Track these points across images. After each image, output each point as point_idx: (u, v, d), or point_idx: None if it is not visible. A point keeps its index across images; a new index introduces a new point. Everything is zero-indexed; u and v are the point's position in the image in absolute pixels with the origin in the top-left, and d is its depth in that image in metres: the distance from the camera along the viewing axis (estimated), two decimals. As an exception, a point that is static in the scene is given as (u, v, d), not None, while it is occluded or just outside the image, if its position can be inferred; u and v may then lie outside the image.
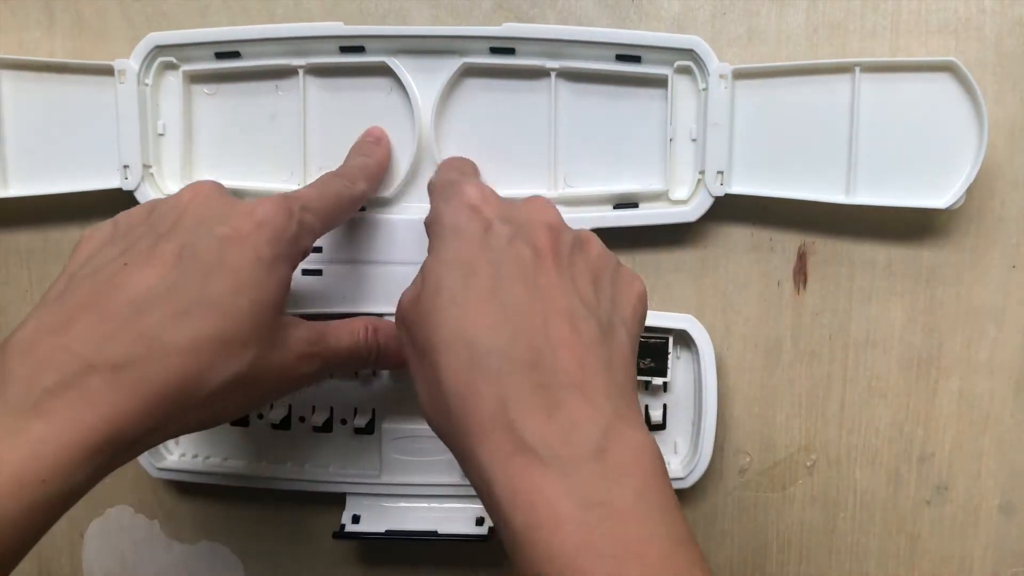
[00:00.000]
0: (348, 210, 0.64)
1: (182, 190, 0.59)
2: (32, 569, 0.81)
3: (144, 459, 0.74)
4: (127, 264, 0.53)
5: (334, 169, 0.67)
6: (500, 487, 0.46)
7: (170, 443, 0.75)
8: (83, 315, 0.51)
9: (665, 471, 0.48)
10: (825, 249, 0.72)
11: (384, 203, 0.71)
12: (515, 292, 0.50)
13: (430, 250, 0.55)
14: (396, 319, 0.56)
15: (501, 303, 0.50)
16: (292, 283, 0.59)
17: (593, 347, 0.50)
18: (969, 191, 0.67)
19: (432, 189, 0.62)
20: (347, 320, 0.64)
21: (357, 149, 0.69)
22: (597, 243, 0.56)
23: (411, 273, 0.64)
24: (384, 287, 0.70)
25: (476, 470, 0.48)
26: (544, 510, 0.44)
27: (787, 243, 0.72)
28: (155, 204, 0.59)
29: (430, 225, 0.57)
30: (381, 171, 0.69)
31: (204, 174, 0.72)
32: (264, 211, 0.56)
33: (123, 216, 0.59)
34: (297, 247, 0.58)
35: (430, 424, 0.53)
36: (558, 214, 0.56)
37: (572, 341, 0.49)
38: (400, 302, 0.55)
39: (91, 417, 0.48)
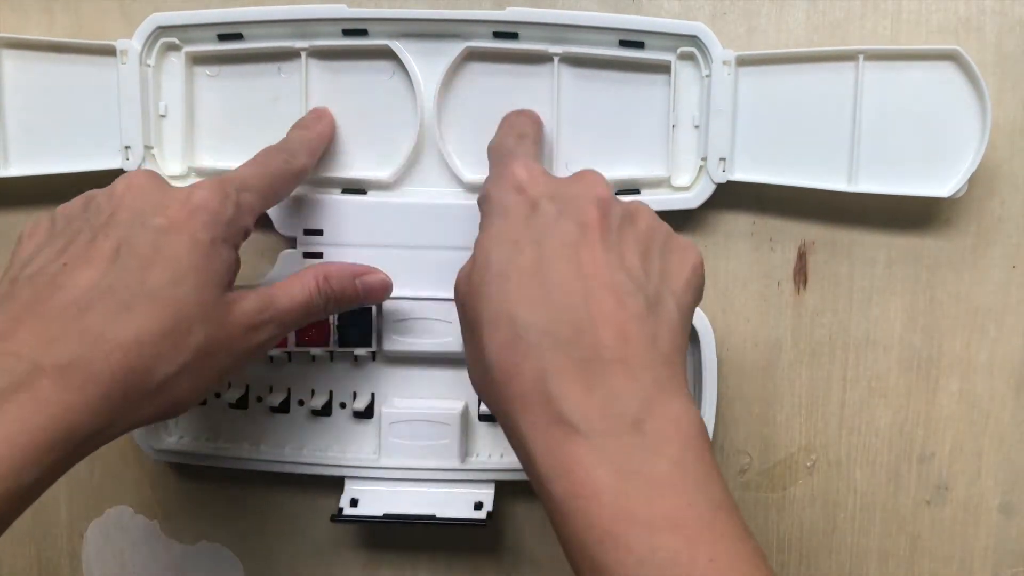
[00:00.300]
0: (289, 185, 0.65)
1: (116, 181, 0.59)
2: (32, 569, 0.80)
3: (143, 442, 0.74)
4: (66, 264, 0.54)
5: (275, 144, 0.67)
6: (540, 458, 0.47)
7: (170, 425, 0.75)
8: (26, 319, 0.51)
9: (707, 440, 0.48)
10: (825, 249, 0.72)
11: (385, 186, 0.71)
12: (558, 268, 0.51)
13: (481, 227, 0.56)
14: (454, 293, 0.57)
15: (544, 279, 0.51)
16: (295, 266, 0.61)
17: (637, 321, 0.50)
18: (969, 189, 0.67)
19: (490, 153, 0.64)
20: (296, 275, 0.64)
21: (298, 124, 0.69)
22: (648, 215, 0.56)
23: (411, 257, 0.64)
24: (385, 270, 0.69)
25: (519, 441, 0.49)
26: (582, 479, 0.45)
27: (787, 242, 0.72)
28: (91, 196, 0.59)
29: (481, 203, 0.58)
30: (322, 144, 0.69)
31: (205, 156, 0.72)
32: (199, 197, 0.57)
33: (60, 209, 0.59)
34: (236, 227, 0.59)
35: (478, 394, 0.54)
36: (607, 187, 0.56)
37: (615, 316, 0.49)
38: (457, 278, 0.56)
39: (40, 418, 0.49)
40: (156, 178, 0.59)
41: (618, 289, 0.50)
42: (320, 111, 0.70)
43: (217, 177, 0.59)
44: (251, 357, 0.60)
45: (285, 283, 0.62)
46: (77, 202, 0.59)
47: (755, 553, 0.46)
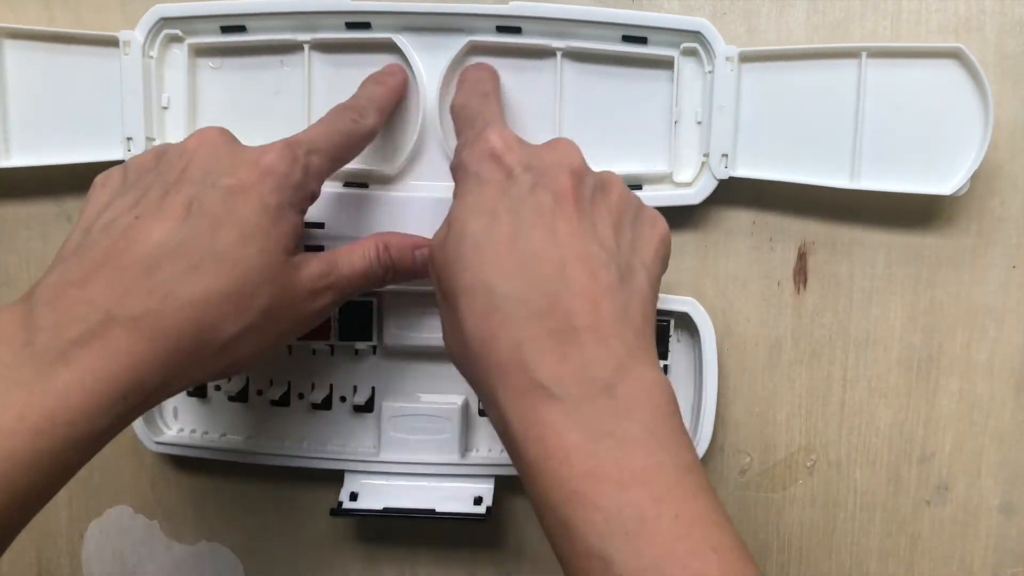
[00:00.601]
0: (357, 147, 0.64)
1: (189, 137, 0.59)
2: (32, 569, 0.80)
3: (143, 433, 0.74)
4: (138, 218, 0.54)
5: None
6: (515, 423, 0.48)
7: (168, 418, 0.75)
8: (101, 270, 0.52)
9: (676, 407, 0.50)
10: (825, 249, 0.72)
11: (388, 180, 0.71)
12: (534, 239, 0.52)
13: (455, 195, 0.57)
14: (429, 261, 0.57)
15: (520, 250, 0.51)
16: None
17: (610, 291, 0.51)
18: (970, 189, 0.67)
19: (455, 114, 0.64)
20: (358, 243, 0.64)
21: (370, 78, 0.69)
22: (619, 185, 0.57)
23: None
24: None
25: (495, 409, 0.50)
26: (554, 441, 0.47)
27: (787, 242, 0.72)
28: (164, 150, 0.59)
29: (455, 171, 0.58)
30: (393, 102, 0.68)
31: (207, 148, 0.72)
32: (268, 159, 0.57)
33: (133, 161, 0.60)
34: (304, 192, 0.59)
35: (455, 364, 0.55)
36: (580, 156, 0.57)
37: (588, 286, 0.51)
38: (431, 245, 0.57)
39: (114, 366, 0.50)
40: (227, 136, 0.59)
41: (591, 260, 0.51)
42: (395, 66, 0.70)
43: (285, 139, 0.59)
44: (311, 321, 0.61)
45: (346, 249, 0.63)
46: (149, 155, 0.60)
47: (718, 511, 0.47)
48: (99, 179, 0.59)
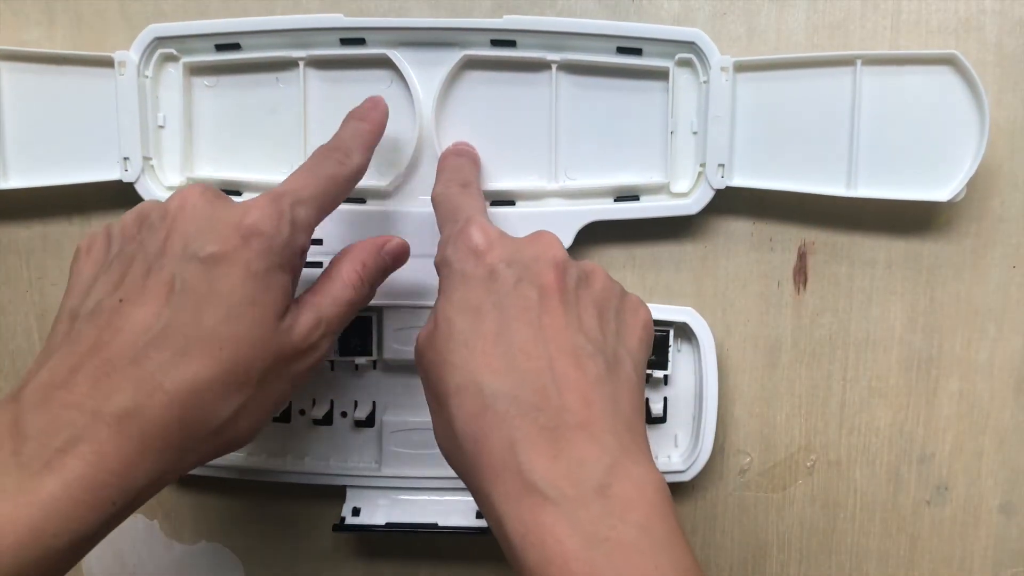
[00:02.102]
0: (345, 189, 0.63)
1: (171, 197, 0.58)
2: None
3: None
4: (122, 301, 0.54)
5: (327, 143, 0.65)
6: (512, 526, 0.48)
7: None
8: (87, 364, 0.51)
9: (670, 504, 0.49)
10: (825, 249, 0.72)
11: (384, 195, 0.71)
12: (521, 335, 0.52)
13: (440, 292, 0.57)
14: (415, 357, 0.57)
15: (508, 346, 0.52)
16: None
17: (599, 385, 0.51)
18: (969, 189, 0.67)
19: (436, 204, 0.64)
20: (333, 273, 0.62)
21: (352, 115, 0.66)
22: (601, 274, 0.58)
23: (411, 266, 0.64)
24: (385, 280, 0.69)
25: (490, 509, 0.50)
26: (553, 548, 0.46)
27: (787, 243, 0.72)
28: (146, 213, 0.58)
29: (439, 267, 0.59)
30: (377, 136, 0.66)
31: (204, 166, 0.72)
32: (251, 220, 0.56)
33: (116, 226, 0.59)
34: (293, 249, 0.58)
35: (447, 461, 0.55)
36: (562, 248, 0.57)
37: (577, 381, 0.51)
38: (417, 341, 0.57)
39: (100, 473, 0.49)
40: (210, 194, 0.58)
41: (579, 352, 0.52)
42: (376, 99, 0.67)
43: (269, 192, 0.58)
44: (310, 375, 0.61)
45: (326, 285, 0.61)
46: (131, 218, 0.58)
47: None
48: (83, 245, 0.59)
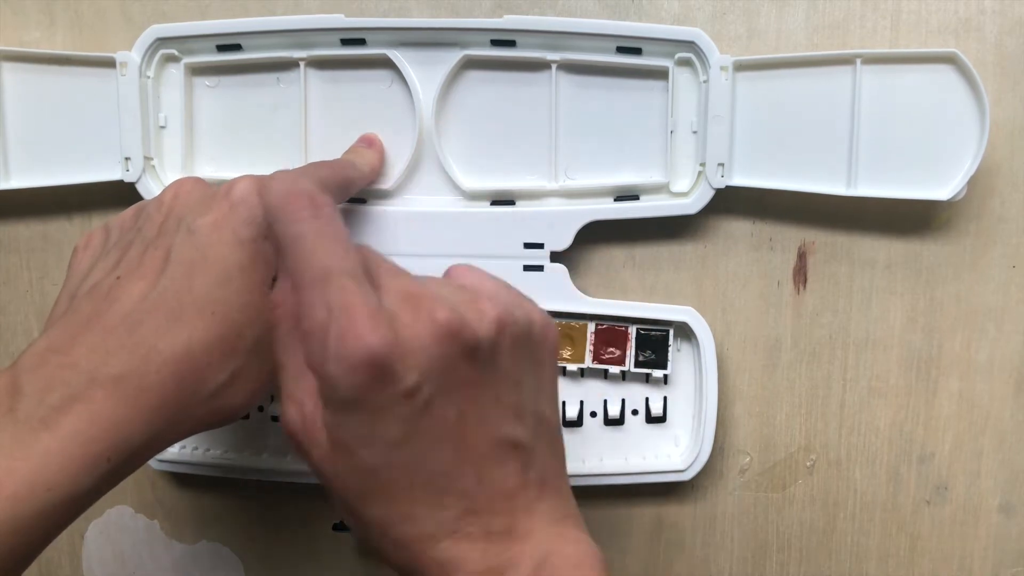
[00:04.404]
0: (345, 186, 0.64)
1: (165, 189, 0.59)
2: (32, 570, 0.80)
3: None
4: (120, 278, 0.54)
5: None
6: None
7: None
8: (85, 333, 0.52)
9: (607, 572, 0.50)
10: (825, 249, 0.72)
11: (384, 195, 0.71)
12: (444, 461, 0.47)
13: (327, 406, 0.46)
14: (294, 446, 0.49)
15: (431, 475, 0.47)
16: None
17: (524, 473, 0.50)
18: (969, 189, 0.67)
19: (285, 256, 0.48)
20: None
21: (349, 150, 0.69)
22: (509, 327, 0.50)
23: (412, 265, 0.63)
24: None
25: None
26: None
27: (787, 243, 0.72)
28: (141, 207, 0.59)
29: (319, 376, 0.46)
30: (379, 166, 0.69)
31: (205, 166, 0.72)
32: (238, 190, 0.56)
33: (113, 221, 0.60)
34: None
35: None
36: (467, 327, 0.47)
37: (503, 482, 0.49)
38: (296, 436, 0.49)
39: (95, 429, 0.50)
40: (201, 182, 0.59)
41: (502, 448, 0.49)
42: (370, 138, 0.70)
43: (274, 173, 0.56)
44: None
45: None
46: (128, 213, 0.60)
47: None
48: (80, 241, 0.60)
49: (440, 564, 0.48)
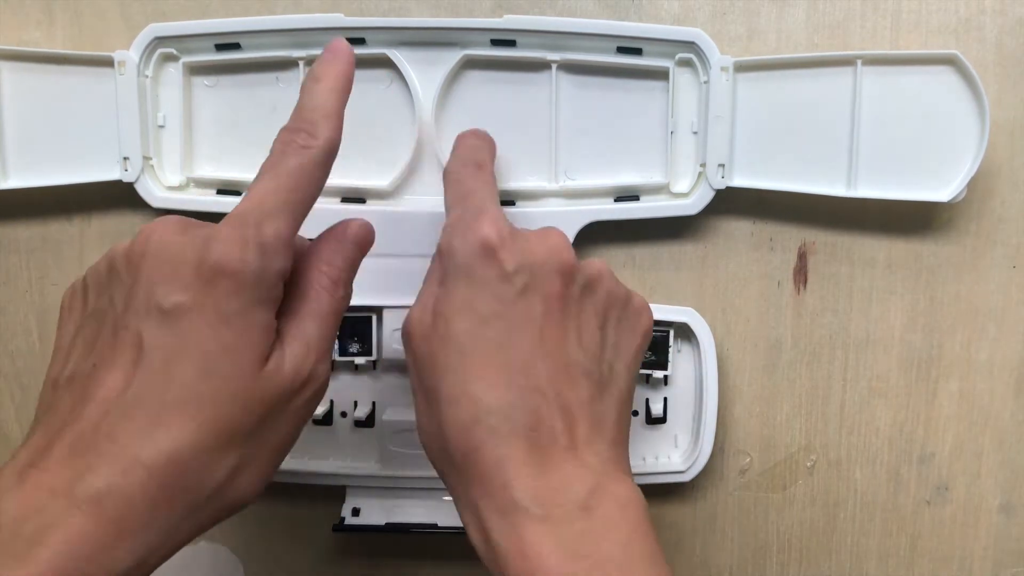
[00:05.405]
0: (320, 176, 0.54)
1: (138, 234, 0.52)
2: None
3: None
4: (95, 366, 0.50)
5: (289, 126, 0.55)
6: (496, 539, 0.49)
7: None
8: (62, 438, 0.48)
9: (650, 522, 0.51)
10: (825, 249, 0.72)
11: (385, 195, 0.71)
12: (522, 349, 0.52)
13: (441, 282, 0.54)
14: (403, 337, 0.56)
15: (506, 360, 0.51)
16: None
17: (590, 404, 0.53)
18: (969, 189, 0.67)
19: (447, 182, 0.61)
20: (303, 287, 0.55)
21: (308, 76, 0.56)
22: (607, 279, 0.56)
23: (411, 266, 0.64)
24: (385, 280, 0.70)
25: (474, 519, 0.51)
26: (535, 563, 0.47)
27: (787, 243, 0.72)
28: (111, 258, 0.53)
29: (442, 253, 0.55)
30: (343, 93, 0.56)
31: (204, 166, 0.72)
32: (215, 255, 0.49)
33: (91, 277, 0.54)
34: (269, 279, 0.51)
35: (427, 453, 0.55)
36: (570, 251, 0.55)
37: (570, 401, 0.52)
38: (408, 323, 0.55)
39: (73, 562, 0.45)
40: (173, 229, 0.51)
41: (574, 371, 0.53)
42: (334, 45, 0.56)
43: (233, 213, 0.51)
44: (313, 407, 0.56)
45: (300, 307, 0.54)
46: (102, 266, 0.53)
47: None
48: (64, 300, 0.55)
49: (499, 460, 0.49)
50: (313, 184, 0.54)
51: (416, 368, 0.55)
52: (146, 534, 0.47)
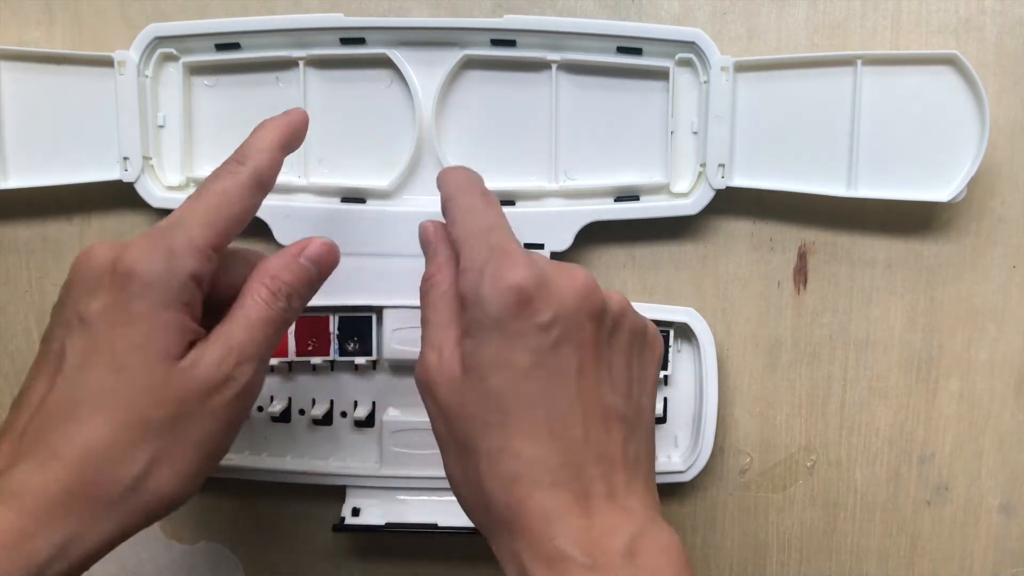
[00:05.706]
0: (245, 197, 0.57)
1: (75, 260, 0.55)
2: (29, 569, 0.80)
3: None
4: (31, 378, 0.54)
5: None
6: None
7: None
8: (3, 441, 0.52)
9: (690, 567, 0.50)
10: (825, 249, 0.72)
11: (384, 195, 0.71)
12: (560, 400, 0.51)
13: (468, 332, 0.53)
14: (423, 386, 0.55)
15: (547, 413, 0.51)
16: None
17: (626, 446, 0.53)
18: (969, 189, 0.67)
19: (450, 207, 0.58)
20: (243, 293, 0.56)
21: (261, 124, 0.60)
22: (630, 315, 0.56)
23: (411, 266, 0.64)
24: (383, 280, 0.70)
25: (518, 570, 0.50)
26: None
27: (787, 243, 0.72)
28: (64, 283, 0.56)
29: (470, 303, 0.53)
30: (284, 134, 0.59)
31: (204, 166, 0.72)
32: (125, 261, 0.52)
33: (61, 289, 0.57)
34: (178, 280, 0.53)
35: (463, 506, 0.55)
36: (598, 291, 0.53)
37: (607, 447, 0.52)
38: (427, 374, 0.54)
39: None
40: (104, 250, 0.54)
41: (610, 415, 0.52)
42: (291, 110, 0.61)
43: (155, 229, 0.54)
44: (237, 414, 0.56)
45: (234, 311, 0.56)
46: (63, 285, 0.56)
47: None
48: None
49: (543, 512, 0.49)
50: (237, 204, 0.56)
51: (445, 419, 0.54)
52: (64, 525, 0.49)
